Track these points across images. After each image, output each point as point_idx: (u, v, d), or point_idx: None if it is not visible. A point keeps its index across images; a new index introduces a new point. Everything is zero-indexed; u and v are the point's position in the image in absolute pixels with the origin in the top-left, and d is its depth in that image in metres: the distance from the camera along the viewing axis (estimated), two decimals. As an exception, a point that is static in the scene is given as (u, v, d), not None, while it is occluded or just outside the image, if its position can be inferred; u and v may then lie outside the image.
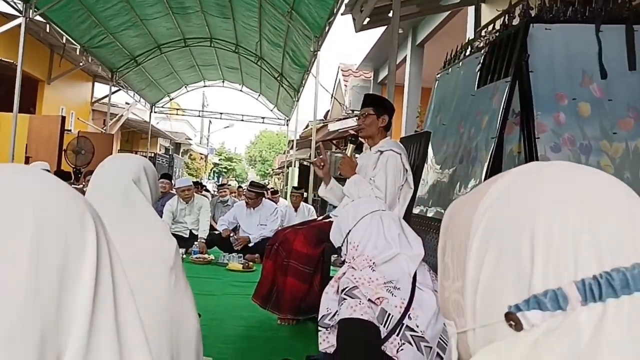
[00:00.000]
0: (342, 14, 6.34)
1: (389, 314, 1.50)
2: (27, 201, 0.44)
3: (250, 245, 5.54)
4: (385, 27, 7.04)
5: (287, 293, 2.82)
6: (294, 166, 13.17)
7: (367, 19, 5.71)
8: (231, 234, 5.74)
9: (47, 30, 8.93)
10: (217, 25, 10.66)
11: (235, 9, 9.41)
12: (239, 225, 5.90)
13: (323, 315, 1.66)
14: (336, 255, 2.94)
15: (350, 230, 1.71)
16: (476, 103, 3.08)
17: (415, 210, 3.40)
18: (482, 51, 3.20)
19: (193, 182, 7.15)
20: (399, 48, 8.21)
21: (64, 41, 9.47)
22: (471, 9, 5.58)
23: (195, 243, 5.47)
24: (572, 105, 2.65)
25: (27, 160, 7.96)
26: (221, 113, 17.49)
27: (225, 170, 40.44)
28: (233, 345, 2.59)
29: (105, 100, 13.06)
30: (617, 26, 2.70)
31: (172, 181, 7.43)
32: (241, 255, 5.22)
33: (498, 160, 2.69)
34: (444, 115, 3.63)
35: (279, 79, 12.24)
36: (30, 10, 7.39)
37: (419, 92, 8.28)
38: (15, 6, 7.37)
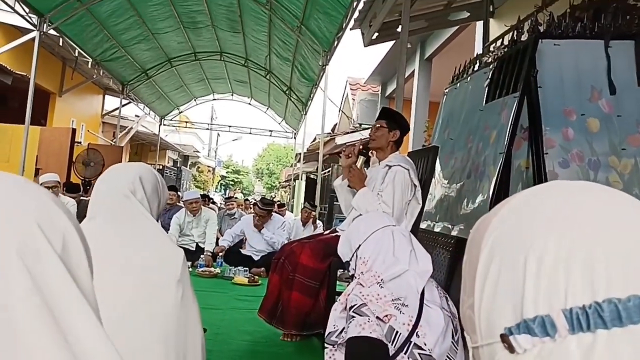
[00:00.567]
0: (350, 29, 6.38)
1: (397, 332, 1.48)
2: None
3: (256, 259, 5.53)
4: (394, 41, 7.08)
5: (292, 308, 2.80)
6: (301, 179, 13.17)
7: (376, 34, 5.75)
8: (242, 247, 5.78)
9: (60, 43, 9.07)
10: (227, 40, 10.77)
11: (245, 24, 9.51)
12: (245, 239, 5.89)
13: (330, 332, 1.65)
14: (343, 270, 2.92)
15: (360, 245, 1.69)
16: (484, 118, 3.07)
17: (423, 225, 3.38)
18: (491, 66, 3.20)
19: (200, 195, 7.17)
20: (407, 62, 8.25)
21: (77, 54, 9.61)
22: (479, 24, 5.60)
23: (202, 256, 5.47)
24: (581, 120, 2.63)
25: (37, 172, 8.02)
26: (229, 126, 17.59)
27: (233, 183, 40.54)
28: (238, 360, 2.57)
29: (116, 112, 13.19)
30: (626, 42, 2.69)
31: (180, 193, 7.45)
32: (247, 269, 5.21)
33: (506, 176, 2.67)
34: (452, 129, 3.62)
35: (287, 92, 12.31)
36: (45, 24, 7.52)
37: (426, 106, 8.29)
38: (30, 20, 7.50)
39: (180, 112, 16.51)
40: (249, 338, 2.98)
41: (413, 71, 8.60)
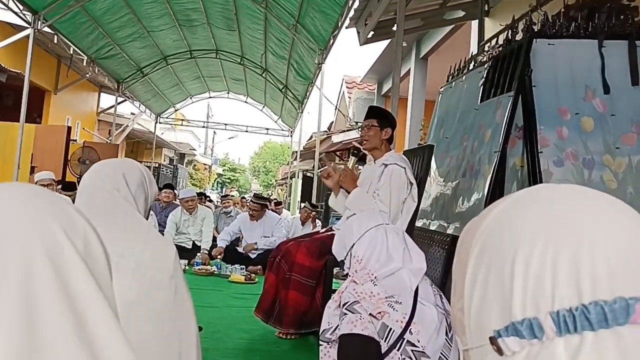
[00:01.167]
0: (346, 28, 6.39)
1: (390, 329, 1.50)
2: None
3: (253, 257, 5.54)
4: (390, 40, 7.09)
5: (290, 307, 2.81)
6: (298, 177, 13.18)
7: (372, 33, 5.75)
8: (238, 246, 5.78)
9: (55, 41, 9.04)
10: (222, 37, 10.76)
11: (241, 22, 9.50)
12: (242, 237, 5.90)
13: (324, 330, 1.66)
14: (339, 268, 2.94)
15: (354, 244, 1.70)
16: (479, 117, 3.08)
17: (418, 223, 3.40)
18: (486, 65, 3.21)
19: (197, 192, 7.17)
20: (403, 61, 8.26)
21: (71, 52, 9.58)
22: (475, 23, 5.62)
23: (198, 254, 5.47)
24: (575, 119, 2.65)
25: (32, 170, 8.00)
26: (226, 124, 17.57)
27: (229, 180, 40.52)
28: (235, 359, 2.58)
29: (111, 110, 13.15)
30: (620, 42, 2.71)
31: (176, 191, 7.45)
32: (243, 267, 5.21)
33: (501, 174, 2.69)
34: (447, 128, 3.64)
35: (283, 90, 12.31)
36: (39, 22, 7.49)
37: (422, 105, 8.31)
38: (24, 18, 7.47)
39: (176, 110, 16.47)
40: (245, 336, 2.98)
41: (409, 70, 8.61)
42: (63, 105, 12.01)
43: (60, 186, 6.10)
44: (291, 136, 15.87)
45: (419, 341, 1.50)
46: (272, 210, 7.57)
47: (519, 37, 3.03)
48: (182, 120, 18.63)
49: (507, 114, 2.66)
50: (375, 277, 1.60)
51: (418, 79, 8.36)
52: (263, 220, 5.80)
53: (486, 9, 5.40)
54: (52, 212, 0.49)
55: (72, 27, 8.54)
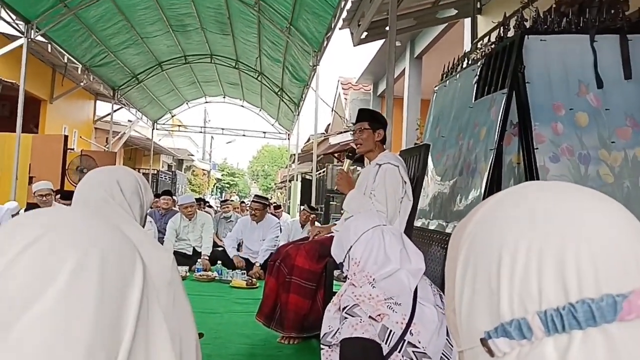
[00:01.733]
0: (340, 29, 6.40)
1: (391, 331, 1.50)
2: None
3: (255, 262, 5.52)
4: (384, 40, 7.10)
5: (290, 311, 2.81)
6: (297, 180, 13.18)
7: (365, 33, 5.76)
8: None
9: (49, 50, 9.02)
10: (217, 42, 10.75)
11: (234, 26, 9.50)
12: (242, 242, 5.90)
13: (325, 334, 1.66)
14: (339, 271, 2.94)
15: (351, 246, 1.71)
16: (474, 115, 3.09)
17: (417, 223, 3.40)
18: (479, 63, 3.22)
19: (196, 198, 7.16)
20: (397, 60, 8.27)
21: (66, 60, 9.57)
22: (467, 21, 5.63)
23: (199, 260, 5.46)
24: (570, 115, 2.66)
25: (30, 180, 7.98)
26: (223, 128, 17.56)
27: (228, 185, 40.48)
28: (236, 364, 2.58)
29: (108, 118, 13.14)
30: (612, 36, 2.72)
31: (175, 198, 7.44)
32: (244, 272, 5.21)
33: (497, 172, 2.69)
34: (442, 127, 3.64)
35: (279, 93, 12.31)
36: (32, 31, 7.48)
37: (418, 104, 8.31)
38: (17, 27, 7.46)
39: (172, 116, 16.46)
40: (247, 341, 2.98)
41: (404, 69, 8.62)
42: (59, 114, 12.00)
43: (59, 195, 6.09)
44: (289, 139, 15.87)
45: (419, 342, 1.50)
46: (272, 214, 7.56)
47: (511, 34, 3.04)
48: (179, 126, 18.62)
49: (501, 111, 2.66)
50: (374, 279, 1.60)
51: (413, 78, 8.37)
52: (262, 224, 5.80)
53: (478, 6, 5.41)
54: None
55: (66, 35, 8.53)
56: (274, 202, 11.50)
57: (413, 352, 1.48)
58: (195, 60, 11.80)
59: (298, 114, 12.56)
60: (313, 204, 7.98)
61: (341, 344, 1.52)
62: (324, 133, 13.85)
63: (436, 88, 4.01)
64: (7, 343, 0.40)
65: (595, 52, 2.69)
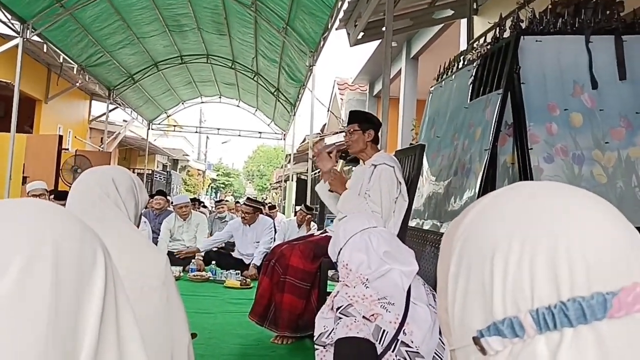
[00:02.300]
0: (336, 29, 6.40)
1: (384, 330, 1.49)
2: (47, 238, 0.46)
3: (249, 262, 5.50)
4: (380, 40, 7.10)
5: (285, 310, 2.80)
6: (292, 180, 13.17)
7: (361, 34, 5.77)
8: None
9: (44, 50, 8.99)
10: (213, 42, 10.74)
11: (231, 26, 9.49)
12: (234, 244, 5.87)
13: (320, 334, 1.65)
14: (334, 270, 2.93)
15: (340, 249, 1.71)
16: (469, 115, 3.09)
17: (412, 223, 3.40)
18: (474, 64, 3.22)
19: (191, 199, 7.14)
20: (393, 61, 8.28)
21: (61, 60, 9.54)
22: (464, 22, 5.64)
23: (193, 260, 5.45)
24: (564, 115, 2.66)
25: (24, 180, 7.95)
26: (218, 129, 17.53)
27: (223, 185, 40.43)
28: (230, 364, 2.57)
29: (103, 118, 13.09)
30: (607, 37, 2.73)
31: (170, 198, 7.42)
32: (238, 272, 5.19)
33: (492, 172, 2.70)
34: (438, 127, 3.65)
35: (275, 93, 12.30)
36: (28, 31, 7.46)
37: (414, 105, 8.33)
38: (13, 27, 7.43)
39: (168, 116, 16.43)
40: (241, 341, 2.97)
41: (400, 70, 8.63)
42: (54, 114, 11.96)
43: (53, 196, 6.06)
44: (284, 139, 15.86)
45: (412, 341, 1.49)
46: (267, 214, 7.54)
47: (506, 34, 3.04)
48: (175, 126, 18.58)
49: (496, 112, 2.67)
50: (367, 279, 1.59)
51: (409, 78, 8.38)
52: (255, 227, 5.72)
53: (475, 7, 5.42)
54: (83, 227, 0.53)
55: (62, 35, 8.50)
56: (269, 203, 11.48)
57: (406, 351, 1.48)
58: (191, 60, 11.79)
59: (294, 114, 12.56)
60: (308, 204, 7.97)
61: (336, 344, 1.52)
62: (319, 133, 13.85)
63: (432, 88, 4.01)
64: None
65: (590, 52, 2.69)
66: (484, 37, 3.52)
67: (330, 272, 2.99)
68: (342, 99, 13.39)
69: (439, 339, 1.52)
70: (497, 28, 3.16)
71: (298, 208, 7.24)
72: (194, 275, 5.10)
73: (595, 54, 2.70)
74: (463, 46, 5.13)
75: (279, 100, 12.57)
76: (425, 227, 3.36)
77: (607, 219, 0.47)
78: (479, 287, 0.48)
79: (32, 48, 9.15)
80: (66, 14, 7.69)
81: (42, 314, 0.43)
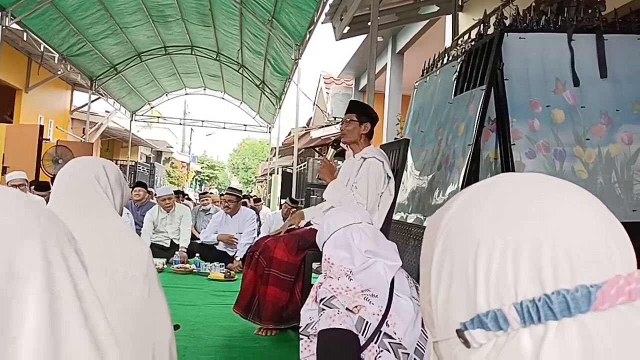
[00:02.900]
0: (322, 23, 6.39)
1: (367, 322, 1.51)
2: None
3: (232, 254, 5.50)
4: (366, 35, 7.11)
5: (269, 302, 2.81)
6: (277, 173, 13.15)
7: (347, 28, 5.77)
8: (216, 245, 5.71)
9: (25, 38, 8.81)
10: (197, 33, 10.64)
11: (215, 17, 9.41)
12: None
13: (306, 325, 1.67)
14: (318, 263, 2.95)
15: (324, 243, 1.72)
16: (453, 110, 3.12)
17: (396, 217, 3.43)
18: (459, 60, 3.25)
19: (175, 191, 7.08)
20: (379, 56, 8.30)
21: (42, 49, 9.36)
22: (449, 18, 5.67)
23: (176, 253, 5.42)
24: (546, 112, 2.70)
25: (4, 170, 7.81)
26: (203, 121, 17.40)
27: (208, 178, 40.17)
28: (214, 356, 2.57)
29: (85, 108, 12.90)
30: (588, 35, 2.77)
31: (154, 190, 7.35)
32: (222, 264, 5.18)
33: (475, 167, 2.73)
34: (422, 122, 3.67)
35: (260, 86, 12.25)
36: (7, 19, 7.30)
37: (399, 100, 8.36)
38: (-9, 14, 7.28)
39: (151, 107, 16.25)
40: (225, 333, 2.97)
41: (385, 65, 8.65)
42: (35, 104, 11.74)
43: (33, 187, 5.97)
44: (270, 132, 15.81)
45: (395, 333, 1.51)
46: (252, 207, 7.52)
47: (490, 31, 3.07)
48: (158, 117, 18.39)
49: (479, 108, 2.70)
50: (351, 271, 1.61)
51: (394, 74, 8.41)
52: (237, 217, 5.74)
53: (460, 3, 5.45)
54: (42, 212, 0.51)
55: (42, 23, 8.34)
56: (254, 196, 11.45)
57: (389, 343, 1.50)
58: (175, 51, 11.67)
59: (279, 108, 12.52)
60: (293, 197, 7.98)
61: (319, 335, 1.53)
62: (305, 127, 13.83)
63: (417, 84, 4.03)
64: None
65: (572, 50, 2.74)
66: (468, 34, 3.54)
67: (315, 265, 3.00)
68: (327, 93, 13.38)
69: (422, 330, 1.54)
70: (482, 25, 3.19)
71: (283, 201, 7.24)
72: (178, 268, 5.08)
73: (577, 52, 2.74)
74: (448, 42, 5.17)
75: (264, 93, 12.51)
76: (409, 221, 3.39)
77: (590, 211, 0.47)
78: (462, 281, 0.48)
79: (12, 36, 8.96)
80: (47, 2, 7.55)
81: None
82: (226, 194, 5.96)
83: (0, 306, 0.43)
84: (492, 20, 3.10)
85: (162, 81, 14.08)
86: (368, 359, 1.49)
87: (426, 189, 3.27)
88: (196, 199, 11.58)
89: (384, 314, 1.52)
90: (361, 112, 2.89)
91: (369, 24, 4.72)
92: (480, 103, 2.70)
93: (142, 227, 5.71)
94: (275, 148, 14.02)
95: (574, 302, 0.43)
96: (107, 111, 15.35)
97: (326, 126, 11.36)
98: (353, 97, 11.17)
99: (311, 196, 10.54)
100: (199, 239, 6.27)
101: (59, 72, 11.36)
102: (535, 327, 0.43)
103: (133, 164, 17.68)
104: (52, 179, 8.55)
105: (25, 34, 8.52)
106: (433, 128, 3.41)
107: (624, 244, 0.47)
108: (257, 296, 2.90)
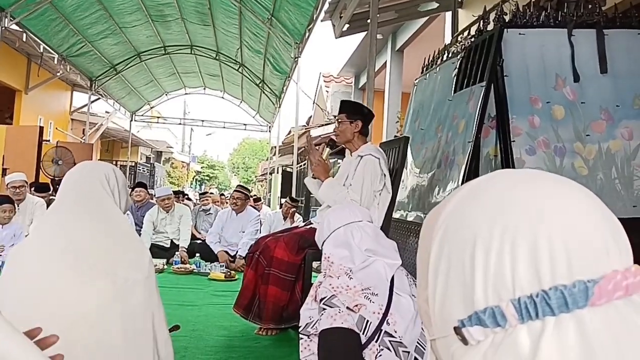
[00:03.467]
0: (321, 21, 6.37)
1: (368, 321, 1.50)
2: None
3: (234, 254, 5.50)
4: (365, 32, 7.09)
5: (269, 302, 2.80)
6: (277, 172, 13.15)
7: (347, 25, 5.75)
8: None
9: (24, 39, 8.81)
10: (197, 33, 10.63)
11: (215, 16, 9.39)
12: (221, 235, 5.86)
13: (306, 324, 1.66)
14: (318, 262, 2.94)
15: (324, 242, 1.71)
16: (453, 107, 3.11)
17: (396, 215, 3.42)
18: (458, 56, 3.23)
19: (174, 191, 7.08)
20: (379, 53, 8.29)
21: (42, 50, 9.35)
22: (448, 15, 5.65)
23: (177, 253, 5.42)
24: (546, 108, 2.69)
25: (4, 172, 7.80)
26: (203, 120, 17.39)
27: (208, 178, 40.17)
28: (214, 356, 2.56)
29: (85, 109, 12.90)
30: (589, 30, 2.76)
31: (153, 190, 7.34)
32: (223, 264, 5.18)
33: (475, 164, 2.72)
34: (422, 120, 3.66)
35: (260, 85, 12.23)
36: (6, 19, 7.29)
37: (399, 97, 8.35)
38: (-10, 15, 7.27)
39: (151, 108, 16.24)
40: (225, 333, 2.97)
41: (385, 62, 8.64)
42: (34, 105, 11.74)
43: (33, 188, 5.97)
44: (269, 131, 15.80)
45: (396, 331, 1.51)
46: (252, 206, 7.51)
47: (490, 27, 3.05)
48: (158, 117, 18.38)
49: (479, 104, 2.68)
50: (351, 270, 1.60)
51: (394, 71, 8.39)
52: (242, 216, 5.76)
53: (459, 0, 5.43)
54: None
55: (42, 24, 8.33)
56: (254, 195, 11.44)
57: (390, 341, 1.49)
58: (175, 51, 11.65)
59: (279, 106, 12.51)
60: (294, 196, 7.97)
61: (320, 335, 1.52)
62: (305, 125, 13.83)
63: (416, 81, 4.02)
64: None
65: (572, 46, 2.72)
66: (468, 30, 3.53)
67: (315, 264, 3.00)
68: (327, 92, 13.37)
69: (422, 329, 1.53)
70: (481, 21, 3.17)
71: (283, 200, 7.24)
72: (178, 268, 5.07)
73: (577, 48, 2.73)
74: (448, 39, 5.15)
75: (264, 92, 12.50)
76: (409, 219, 3.38)
77: (587, 207, 0.47)
78: (460, 277, 0.48)
79: (11, 37, 8.96)
80: (46, 2, 7.53)
81: None
82: (235, 191, 6.01)
83: None
84: (492, 16, 3.09)
85: (161, 81, 14.07)
86: (369, 357, 1.48)
87: (426, 186, 3.26)
88: (196, 199, 11.58)
89: (384, 312, 1.51)
90: (351, 111, 2.89)
91: (369, 21, 4.70)
92: (480, 100, 2.68)
93: (142, 227, 5.70)
94: (275, 147, 14.02)
95: (571, 297, 0.43)
96: (106, 112, 15.35)
97: (326, 124, 11.35)
98: (353, 95, 11.17)
99: (311, 195, 10.53)
100: (199, 239, 6.26)
101: (58, 73, 11.35)
102: (532, 323, 0.43)
103: (133, 164, 17.69)
104: (52, 180, 8.54)
105: (24, 34, 8.51)
106: (433, 125, 3.40)
107: (622, 240, 0.47)
108: (257, 296, 2.90)
